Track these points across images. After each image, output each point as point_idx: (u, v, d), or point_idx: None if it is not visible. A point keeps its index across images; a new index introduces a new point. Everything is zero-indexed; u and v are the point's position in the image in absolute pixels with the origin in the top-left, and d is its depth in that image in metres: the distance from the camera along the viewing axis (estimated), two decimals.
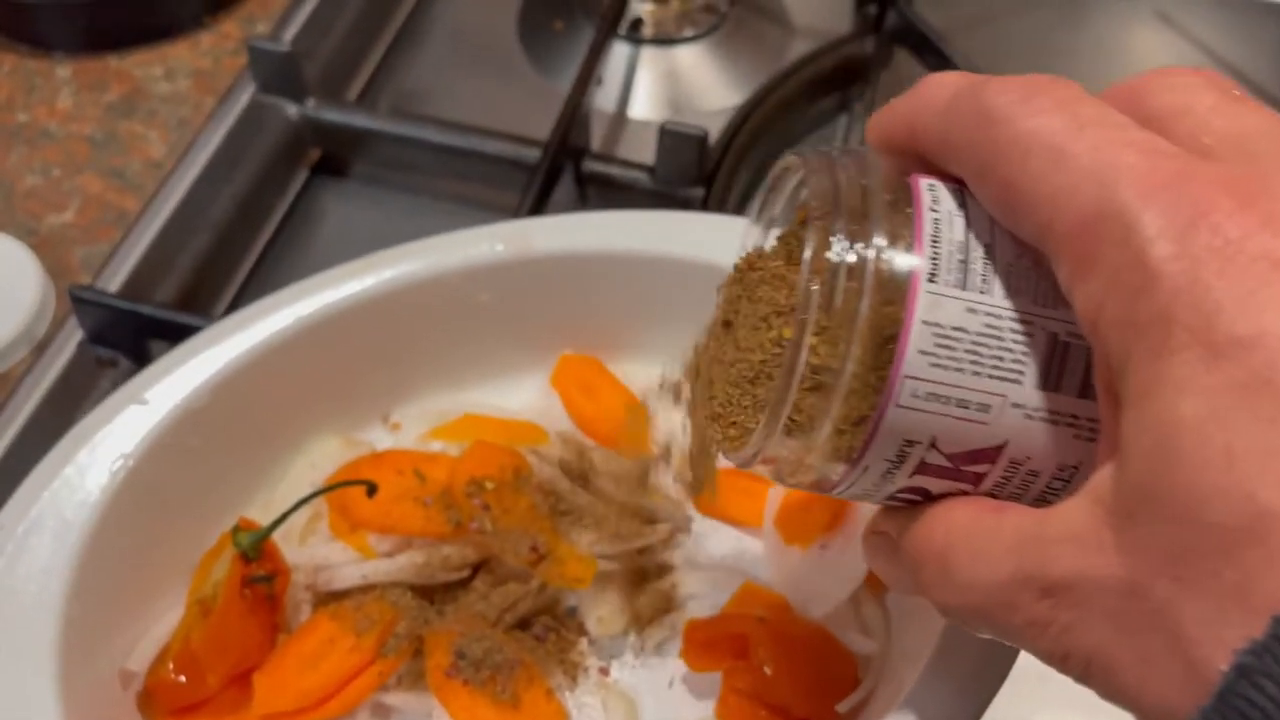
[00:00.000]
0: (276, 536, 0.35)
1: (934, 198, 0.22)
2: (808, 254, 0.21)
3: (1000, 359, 0.21)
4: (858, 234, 0.21)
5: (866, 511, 0.36)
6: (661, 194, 0.50)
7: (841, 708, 0.33)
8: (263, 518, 0.37)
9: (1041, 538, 0.20)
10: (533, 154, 0.50)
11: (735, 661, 0.34)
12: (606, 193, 0.51)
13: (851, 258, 0.21)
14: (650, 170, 0.50)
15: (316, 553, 0.37)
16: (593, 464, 0.38)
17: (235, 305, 0.49)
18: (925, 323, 0.21)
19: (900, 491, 0.23)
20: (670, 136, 0.48)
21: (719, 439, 0.25)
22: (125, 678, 0.34)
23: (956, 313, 0.21)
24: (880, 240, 0.21)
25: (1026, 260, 0.21)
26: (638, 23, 0.59)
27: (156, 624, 0.35)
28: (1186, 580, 0.17)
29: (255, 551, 0.35)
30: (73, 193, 0.52)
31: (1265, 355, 0.17)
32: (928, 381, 0.21)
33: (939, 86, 0.22)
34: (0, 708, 0.30)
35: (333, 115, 0.53)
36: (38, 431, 0.43)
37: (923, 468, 0.22)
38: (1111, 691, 0.19)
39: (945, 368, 0.21)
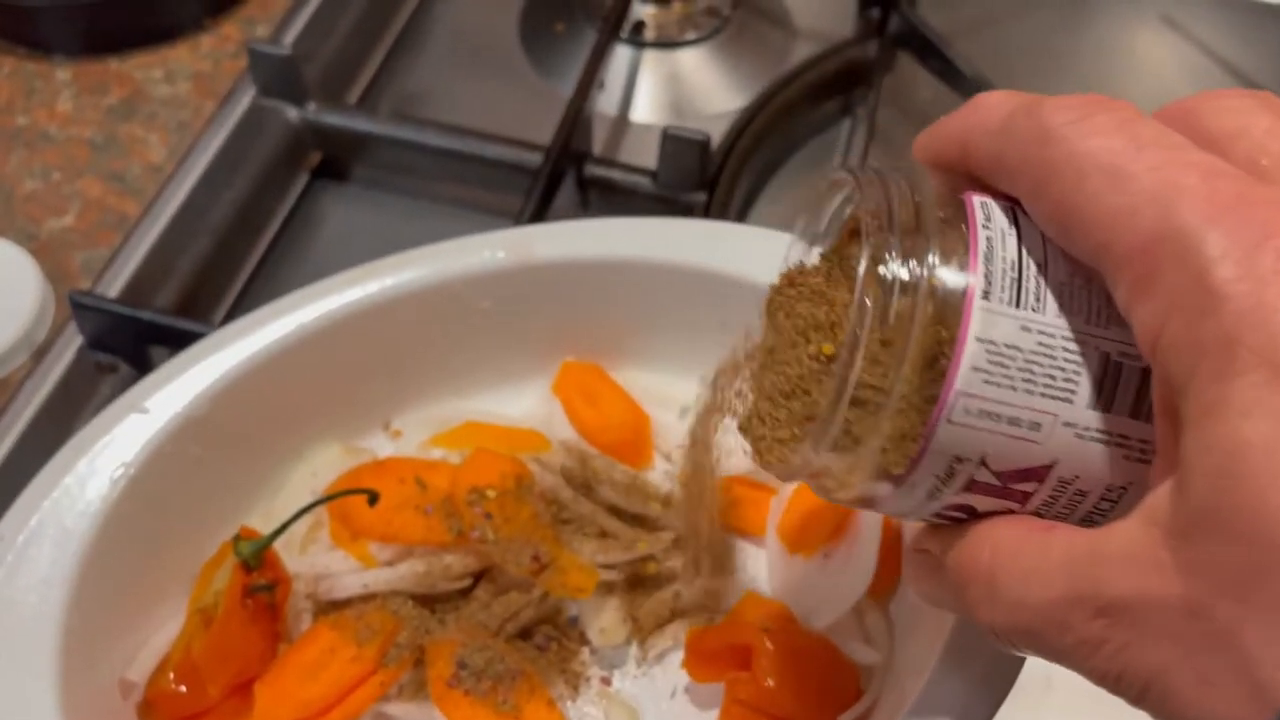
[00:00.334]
0: (277, 545, 0.35)
1: (987, 215, 0.22)
2: (862, 269, 0.22)
3: (1052, 377, 0.21)
4: (911, 250, 0.21)
5: (869, 521, 0.36)
6: (664, 198, 0.50)
7: (845, 719, 0.33)
8: (263, 526, 0.36)
9: (1096, 557, 0.20)
10: (534, 158, 0.50)
11: (738, 672, 0.34)
12: (608, 197, 0.51)
13: (906, 273, 0.21)
14: (652, 174, 0.50)
15: (317, 561, 0.37)
16: (595, 472, 0.38)
17: (236, 310, 0.49)
18: (979, 339, 0.21)
19: (945, 509, 0.23)
20: (672, 141, 0.48)
21: (761, 455, 0.25)
22: (125, 688, 0.34)
23: (1010, 330, 0.21)
24: (934, 256, 0.21)
25: (1079, 279, 0.21)
26: (640, 25, 0.59)
27: (157, 634, 0.35)
28: (1251, 601, 0.17)
29: (256, 560, 0.35)
30: (72, 196, 0.52)
31: None
32: (980, 398, 0.21)
33: (992, 106, 0.22)
34: (1, 718, 0.30)
35: (333, 119, 0.53)
36: (37, 437, 0.43)
37: (971, 485, 0.22)
38: (1169, 712, 0.19)
39: (998, 385, 0.21)
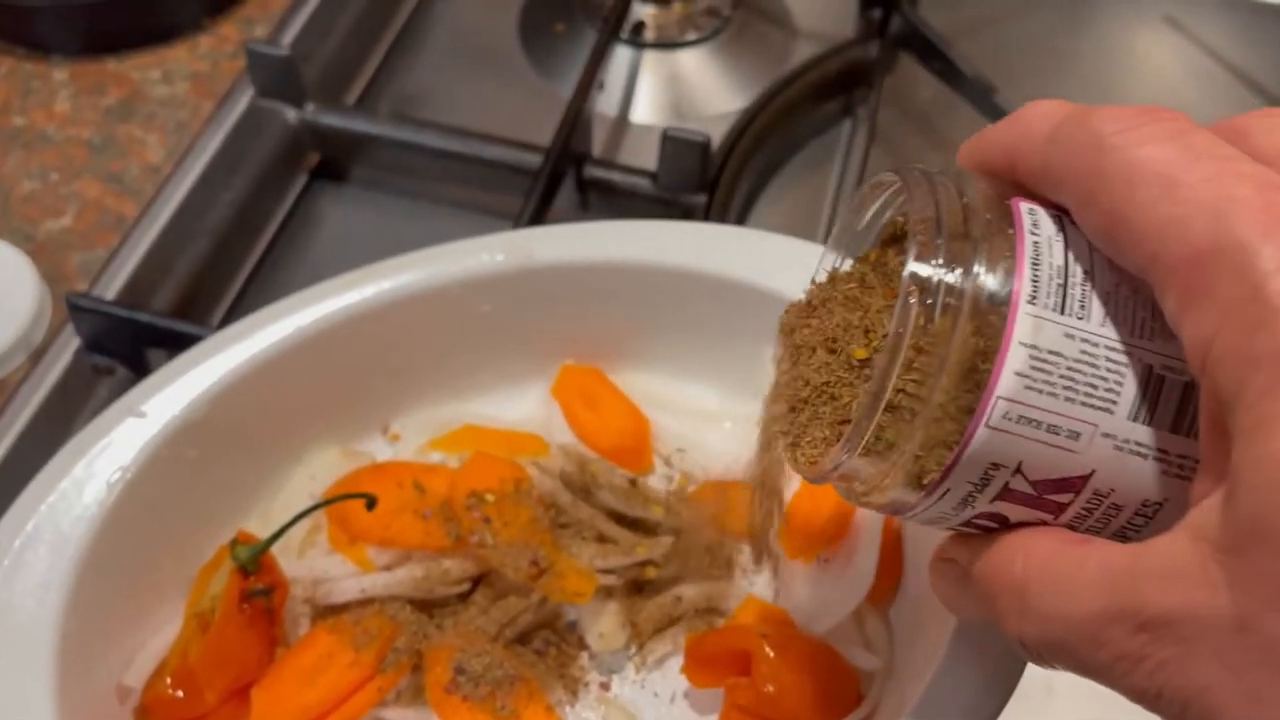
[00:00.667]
0: (275, 549, 0.35)
1: (1034, 221, 0.22)
2: (907, 271, 0.21)
3: (1094, 387, 0.21)
4: (958, 253, 0.21)
5: (869, 527, 0.35)
6: (664, 200, 0.50)
7: None
8: (261, 530, 0.36)
9: (1137, 572, 0.19)
10: (534, 159, 0.50)
11: (737, 677, 0.34)
12: (608, 198, 0.51)
13: (951, 277, 0.21)
14: (652, 176, 0.50)
15: (315, 566, 0.37)
16: (594, 476, 0.38)
17: (234, 312, 0.49)
18: (1022, 344, 0.21)
19: (977, 517, 0.23)
20: (672, 142, 0.48)
21: (792, 457, 0.25)
22: (122, 693, 0.34)
23: (1054, 337, 0.21)
24: (981, 260, 0.21)
25: (1125, 289, 0.21)
26: (640, 26, 0.58)
27: (154, 638, 0.35)
28: None
29: (254, 565, 0.35)
30: (70, 197, 0.51)
31: None
32: (1020, 404, 0.21)
33: (1042, 114, 0.22)
34: None
35: (332, 119, 0.53)
36: (34, 440, 0.43)
37: (1005, 494, 0.22)
38: None
39: (1039, 392, 0.21)
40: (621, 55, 0.58)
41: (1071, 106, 0.22)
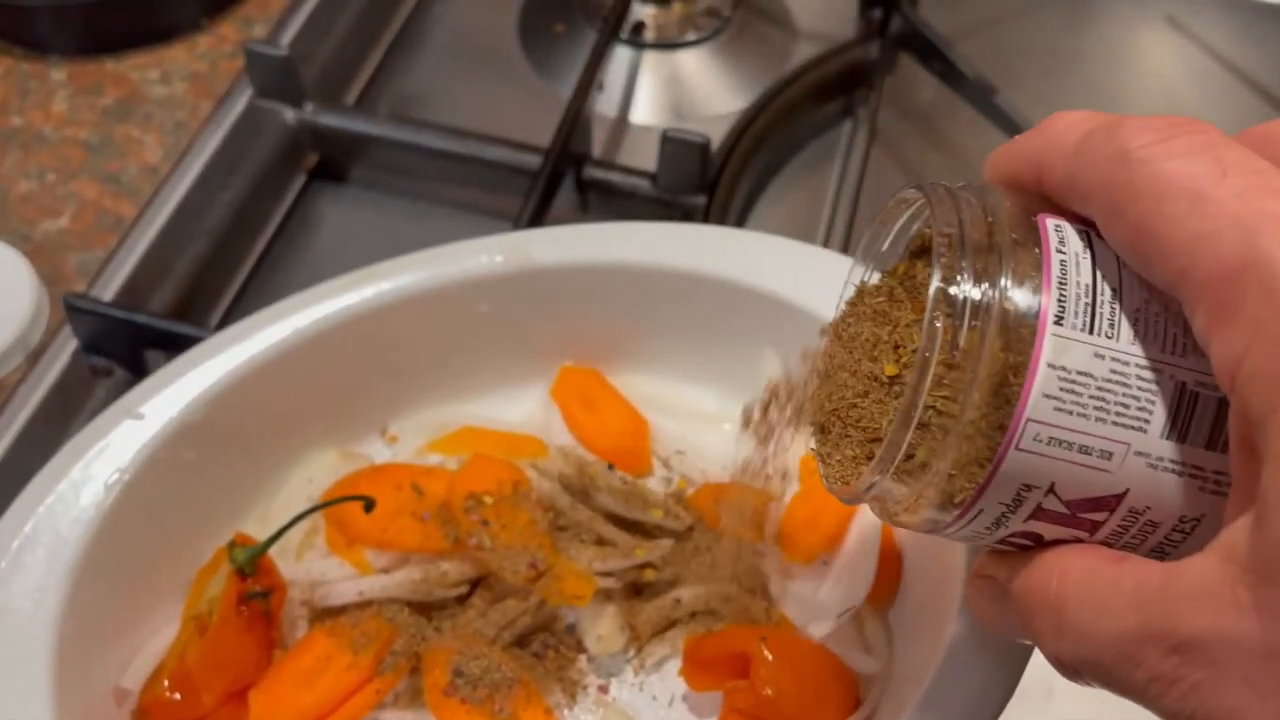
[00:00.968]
0: (273, 551, 0.35)
1: (1060, 237, 0.22)
2: (932, 289, 0.21)
3: (1125, 406, 0.21)
4: (984, 271, 0.21)
5: (868, 530, 0.35)
6: (663, 201, 0.50)
7: None
8: (259, 532, 0.36)
9: (1169, 593, 0.19)
10: (533, 160, 0.50)
11: (736, 680, 0.34)
12: (608, 199, 0.51)
13: (978, 295, 0.21)
14: (652, 177, 0.50)
15: (313, 568, 0.37)
16: (593, 478, 0.38)
17: (232, 313, 0.49)
18: (1051, 366, 0.21)
19: (1011, 536, 0.23)
20: (672, 143, 0.48)
21: (825, 475, 0.25)
22: (120, 696, 0.34)
23: (1083, 357, 0.21)
24: (1007, 278, 0.21)
25: (1155, 305, 0.21)
26: (640, 26, 0.58)
27: (151, 641, 0.35)
28: None
29: (251, 567, 0.34)
30: (67, 198, 0.51)
31: None
32: (1051, 426, 0.21)
33: (1068, 126, 0.22)
34: None
35: (331, 120, 0.52)
36: (32, 442, 0.43)
37: (1038, 513, 0.22)
38: None
39: (1069, 413, 0.21)
40: (621, 56, 0.58)
41: (1098, 117, 0.21)
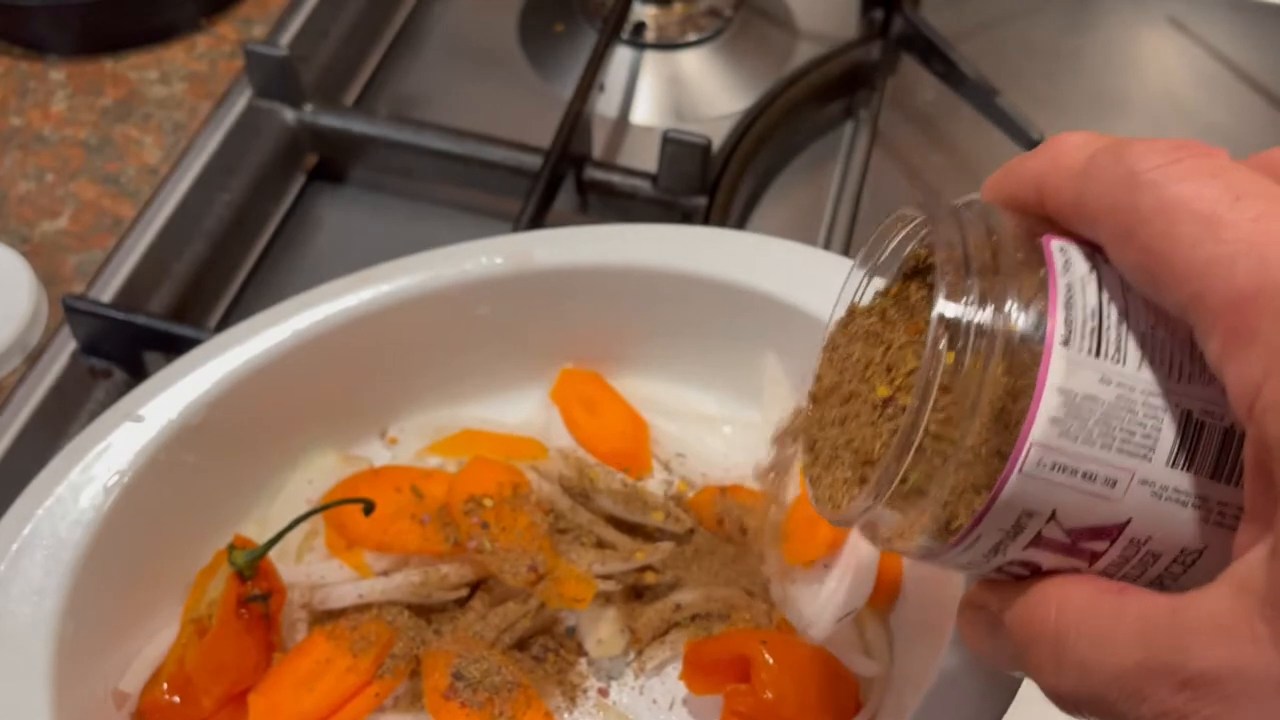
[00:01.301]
0: (272, 554, 0.35)
1: (1066, 259, 0.21)
2: (935, 312, 0.21)
3: (1131, 433, 0.20)
4: (988, 293, 0.21)
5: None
6: (664, 202, 0.50)
7: None
8: (258, 535, 0.36)
9: (1178, 625, 0.19)
10: (534, 161, 0.49)
11: (736, 684, 0.34)
12: (608, 201, 0.51)
13: (982, 317, 0.20)
14: (653, 178, 0.50)
15: (313, 571, 0.37)
16: (593, 481, 0.38)
17: (231, 314, 0.49)
18: (1057, 389, 0.20)
19: (1008, 564, 0.22)
20: (673, 144, 0.48)
21: (814, 497, 0.24)
22: (119, 698, 0.34)
23: (1089, 382, 0.20)
24: (1013, 301, 0.20)
25: (1161, 331, 0.21)
26: (640, 27, 0.58)
27: (150, 643, 0.35)
28: None
29: (251, 570, 0.34)
30: (66, 199, 0.51)
31: None
32: (1055, 450, 0.20)
33: (1073, 147, 0.21)
34: None
35: (330, 120, 0.52)
36: (30, 443, 0.43)
37: (1038, 541, 0.21)
38: None
39: (1074, 438, 0.20)
40: (622, 56, 0.57)
41: (1103, 139, 0.21)
